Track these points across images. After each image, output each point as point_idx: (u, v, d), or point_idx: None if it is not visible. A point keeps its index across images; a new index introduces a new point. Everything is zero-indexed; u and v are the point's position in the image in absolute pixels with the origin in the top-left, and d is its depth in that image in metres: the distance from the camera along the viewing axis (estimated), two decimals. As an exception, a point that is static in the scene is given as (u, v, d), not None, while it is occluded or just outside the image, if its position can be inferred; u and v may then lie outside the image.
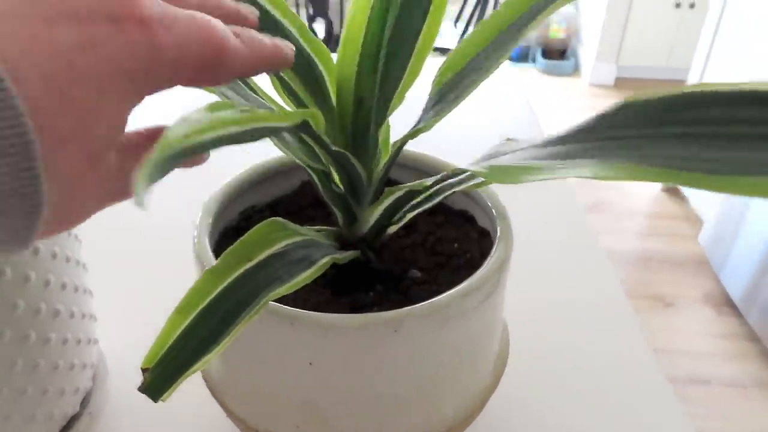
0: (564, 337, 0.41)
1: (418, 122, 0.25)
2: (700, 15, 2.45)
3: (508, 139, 0.22)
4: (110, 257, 0.46)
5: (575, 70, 2.82)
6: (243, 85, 0.26)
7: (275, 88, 0.27)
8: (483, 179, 0.22)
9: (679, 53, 2.58)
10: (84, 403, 0.32)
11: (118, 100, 0.16)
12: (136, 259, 0.47)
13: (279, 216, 0.33)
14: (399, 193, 0.24)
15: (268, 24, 0.24)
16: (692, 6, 2.50)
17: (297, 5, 1.82)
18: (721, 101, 0.14)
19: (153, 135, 0.19)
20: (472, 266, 0.28)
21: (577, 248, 0.50)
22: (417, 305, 0.23)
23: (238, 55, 0.18)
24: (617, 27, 2.56)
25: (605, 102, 2.56)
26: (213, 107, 0.15)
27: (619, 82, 2.69)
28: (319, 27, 1.76)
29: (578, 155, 0.17)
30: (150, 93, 0.17)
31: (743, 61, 1.64)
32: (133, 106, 0.17)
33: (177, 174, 0.55)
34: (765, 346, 1.38)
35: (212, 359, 0.18)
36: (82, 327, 0.31)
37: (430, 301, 0.24)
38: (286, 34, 0.25)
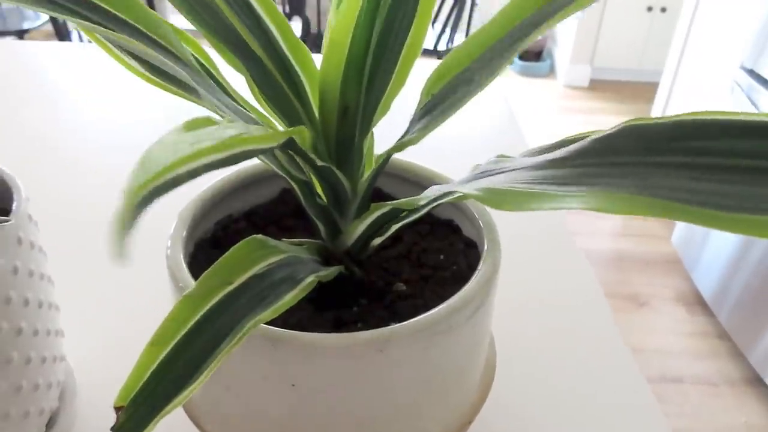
0: (545, 341, 0.40)
1: (405, 134, 0.24)
2: (671, 19, 2.50)
3: (500, 156, 0.21)
4: (78, 268, 0.44)
5: (550, 72, 2.85)
6: (220, 91, 0.25)
7: (253, 94, 0.26)
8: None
9: (651, 56, 2.63)
10: (50, 423, 0.30)
11: None
12: (105, 269, 0.45)
13: (257, 226, 0.32)
14: (385, 209, 0.23)
15: (250, 19, 0.23)
16: (663, 10, 2.54)
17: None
18: (732, 132, 0.13)
19: None
20: (459, 279, 0.27)
21: (555, 251, 0.49)
22: (402, 323, 0.22)
23: None
24: (591, 30, 2.59)
25: (580, 103, 2.59)
26: (190, 125, 0.14)
27: (594, 84, 2.72)
28: (296, 25, 1.74)
29: (578, 181, 0.16)
30: None
31: (714, 64, 1.68)
32: None
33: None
34: (735, 344, 1.41)
35: (192, 393, 0.17)
36: (47, 344, 0.29)
37: (416, 318, 0.23)
38: (265, 32, 0.23)
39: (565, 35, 2.74)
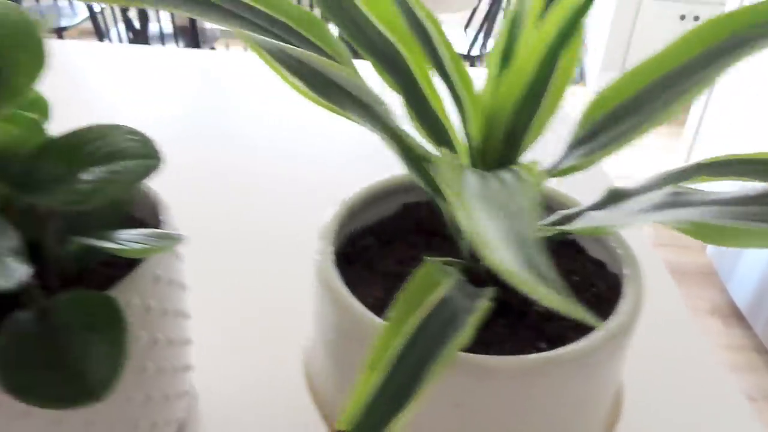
0: (642, 364, 0.40)
1: (564, 158, 0.25)
2: (705, 27, 2.47)
3: (677, 188, 0.21)
4: (202, 275, 0.45)
5: (580, 79, 2.84)
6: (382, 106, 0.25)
7: (407, 112, 0.26)
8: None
9: (683, 64, 2.60)
10: None
11: None
12: (227, 277, 0.45)
13: (383, 242, 0.32)
14: (549, 234, 0.23)
15: (421, 37, 0.24)
16: (696, 18, 2.52)
17: (311, 5, 1.81)
18: None
19: None
20: (601, 300, 0.28)
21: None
22: (567, 348, 0.23)
23: None
24: (623, 37, 2.58)
25: (609, 110, 2.57)
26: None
27: (623, 91, 2.70)
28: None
29: None
30: None
31: (753, 75, 1.66)
32: None
33: (262, 196, 0.52)
34: (774, 359, 1.39)
35: (408, 417, 0.17)
36: (182, 353, 0.29)
37: (582, 344, 0.23)
38: (437, 57, 0.24)
39: (596, 42, 2.72)
